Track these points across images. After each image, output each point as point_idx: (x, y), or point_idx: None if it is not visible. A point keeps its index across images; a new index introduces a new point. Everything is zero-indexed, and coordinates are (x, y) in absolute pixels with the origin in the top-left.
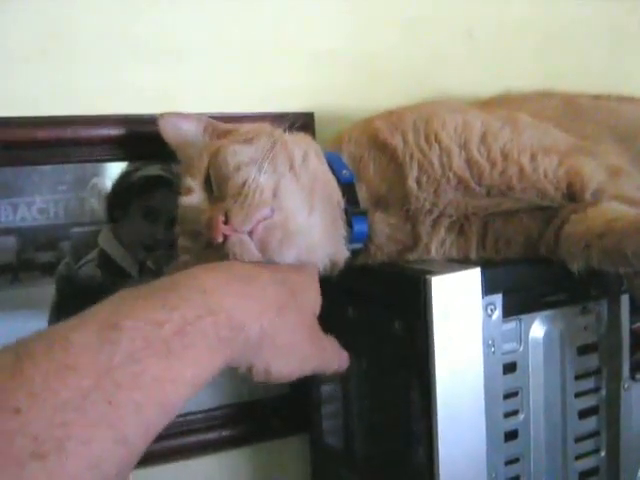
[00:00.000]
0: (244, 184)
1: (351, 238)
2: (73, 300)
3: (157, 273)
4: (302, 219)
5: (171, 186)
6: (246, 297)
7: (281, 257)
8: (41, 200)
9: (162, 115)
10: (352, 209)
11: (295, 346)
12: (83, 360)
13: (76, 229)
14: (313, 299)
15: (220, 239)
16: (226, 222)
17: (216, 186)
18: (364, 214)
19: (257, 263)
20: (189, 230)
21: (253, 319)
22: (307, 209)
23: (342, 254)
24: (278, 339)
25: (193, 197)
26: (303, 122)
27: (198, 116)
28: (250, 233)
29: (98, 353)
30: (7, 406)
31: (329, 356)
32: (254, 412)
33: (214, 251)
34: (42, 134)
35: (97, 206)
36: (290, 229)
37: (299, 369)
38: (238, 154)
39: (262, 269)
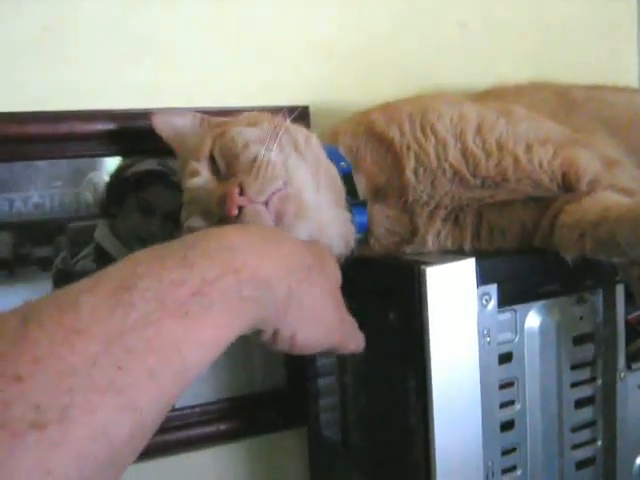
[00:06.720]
0: (255, 159)
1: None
2: None
3: None
4: (311, 195)
5: (166, 180)
6: (274, 256)
7: (295, 230)
8: (37, 195)
9: (153, 113)
10: (352, 199)
11: (322, 312)
12: (93, 324)
13: (72, 224)
14: (337, 269)
15: (235, 212)
16: (241, 194)
17: (224, 165)
18: (364, 204)
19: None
20: (198, 211)
21: (280, 278)
22: (315, 186)
23: (352, 234)
24: (305, 302)
25: (200, 178)
26: (298, 115)
27: (191, 112)
28: (265, 204)
29: (110, 316)
30: (6, 373)
31: (350, 331)
32: (251, 406)
33: None
34: (37, 129)
35: (93, 201)
36: (303, 202)
37: (324, 338)
38: (244, 134)
39: (289, 234)
